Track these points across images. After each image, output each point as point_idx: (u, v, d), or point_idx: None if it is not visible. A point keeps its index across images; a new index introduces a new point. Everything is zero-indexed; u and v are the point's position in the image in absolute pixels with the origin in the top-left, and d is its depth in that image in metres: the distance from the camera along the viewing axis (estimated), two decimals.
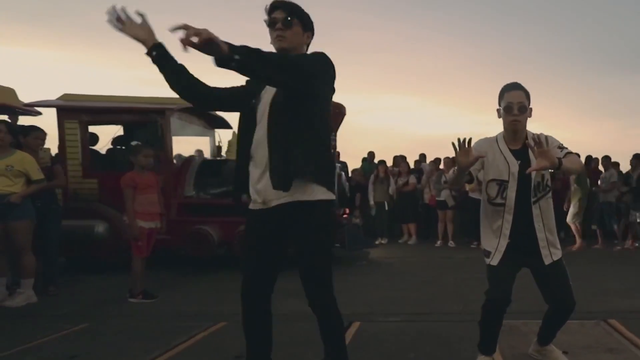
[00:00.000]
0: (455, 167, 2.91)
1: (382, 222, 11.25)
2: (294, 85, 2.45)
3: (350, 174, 11.50)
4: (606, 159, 10.93)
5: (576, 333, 3.94)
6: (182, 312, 5.07)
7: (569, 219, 9.87)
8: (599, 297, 5.38)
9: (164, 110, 7.41)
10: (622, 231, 10.43)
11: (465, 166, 2.80)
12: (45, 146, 6.63)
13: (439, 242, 10.84)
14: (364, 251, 9.30)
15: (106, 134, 7.99)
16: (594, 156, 11.76)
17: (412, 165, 12.29)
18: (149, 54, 2.37)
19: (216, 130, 9.60)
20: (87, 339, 4.19)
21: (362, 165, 12.68)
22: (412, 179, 11.44)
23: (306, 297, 2.66)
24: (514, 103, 2.97)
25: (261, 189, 2.59)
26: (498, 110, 3.10)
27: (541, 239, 3.03)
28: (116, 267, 6.45)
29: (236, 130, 2.81)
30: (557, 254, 3.09)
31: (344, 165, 11.22)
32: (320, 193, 2.62)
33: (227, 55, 2.13)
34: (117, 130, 8.09)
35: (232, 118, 8.24)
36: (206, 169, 8.20)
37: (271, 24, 2.56)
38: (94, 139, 7.86)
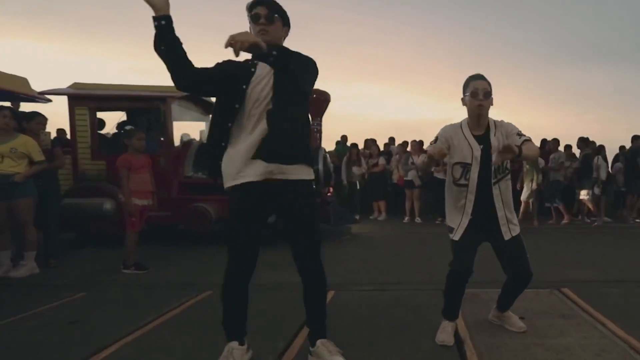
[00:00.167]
0: (426, 157, 2.94)
1: (354, 200, 11.22)
2: (303, 87, 2.60)
3: None
4: (554, 141, 11.00)
5: (532, 300, 3.94)
6: (172, 282, 4.99)
7: (523, 197, 9.90)
8: (553, 268, 5.40)
9: (166, 97, 7.39)
10: (576, 207, 10.60)
11: (437, 160, 2.90)
12: (47, 130, 6.54)
13: (406, 219, 10.80)
14: (346, 226, 9.25)
15: (111, 120, 7.99)
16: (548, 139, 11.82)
17: (381, 148, 12.25)
18: (157, 19, 2.31)
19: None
20: (85, 306, 4.15)
21: (336, 148, 12.56)
22: (382, 161, 11.39)
23: (301, 266, 2.68)
24: (480, 89, 2.95)
25: (258, 165, 2.54)
26: (462, 99, 3.05)
27: (501, 217, 3.02)
28: (112, 242, 6.35)
29: None
30: (516, 230, 3.08)
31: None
32: (309, 173, 2.70)
33: (267, 52, 2.30)
34: (121, 116, 8.02)
35: None
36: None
37: (255, 18, 2.53)
38: (101, 124, 7.82)
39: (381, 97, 27.81)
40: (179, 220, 7.43)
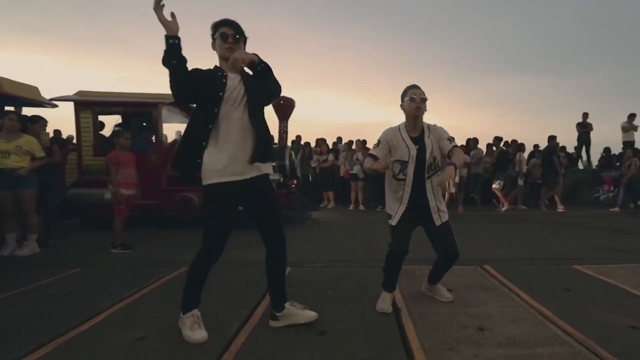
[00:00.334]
0: (373, 166, 2.95)
1: (307, 191, 11.33)
2: (273, 92, 2.66)
3: None
4: (474, 140, 11.32)
5: (458, 275, 4.02)
6: (153, 260, 4.95)
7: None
8: (476, 248, 5.50)
9: (157, 103, 7.53)
10: (495, 197, 10.96)
11: (382, 171, 2.92)
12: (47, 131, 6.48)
13: (351, 207, 10.93)
14: (308, 213, 9.30)
15: (110, 122, 8.01)
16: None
17: (330, 146, 12.42)
18: (171, 38, 2.39)
19: None
20: (80, 280, 4.14)
21: (292, 147, 12.57)
22: (331, 157, 11.62)
23: (270, 245, 2.73)
24: (417, 95, 2.98)
25: (238, 164, 2.56)
26: (401, 105, 3.07)
27: (432, 207, 3.06)
28: (105, 226, 6.23)
29: None
30: (445, 217, 3.10)
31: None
32: (270, 168, 2.78)
33: (257, 62, 2.48)
34: (117, 119, 7.98)
35: None
36: None
37: (224, 37, 2.56)
38: (102, 125, 7.80)
39: (330, 102, 29.76)
40: (167, 208, 7.42)
